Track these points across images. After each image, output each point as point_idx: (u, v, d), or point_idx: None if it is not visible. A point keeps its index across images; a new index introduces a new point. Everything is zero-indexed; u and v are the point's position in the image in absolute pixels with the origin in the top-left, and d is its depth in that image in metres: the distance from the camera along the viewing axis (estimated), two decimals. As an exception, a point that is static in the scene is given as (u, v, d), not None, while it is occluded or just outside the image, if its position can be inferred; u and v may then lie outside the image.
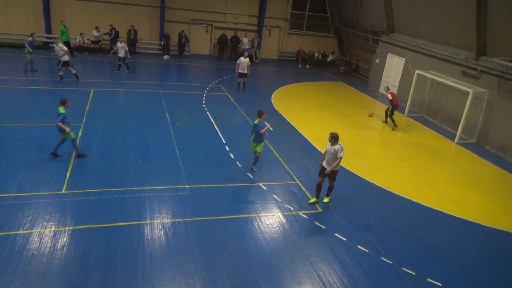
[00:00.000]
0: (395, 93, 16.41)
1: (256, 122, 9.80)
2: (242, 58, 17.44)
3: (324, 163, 8.62)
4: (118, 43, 18.53)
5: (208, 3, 24.45)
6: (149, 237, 7.20)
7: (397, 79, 19.67)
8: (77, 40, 21.55)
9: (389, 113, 15.51)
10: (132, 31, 22.56)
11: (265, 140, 10.17)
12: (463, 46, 15.77)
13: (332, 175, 8.64)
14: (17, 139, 10.51)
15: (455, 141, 14.52)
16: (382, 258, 7.36)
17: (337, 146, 8.32)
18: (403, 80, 19.13)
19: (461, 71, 15.55)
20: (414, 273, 7.02)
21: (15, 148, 9.98)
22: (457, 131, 14.66)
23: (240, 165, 10.46)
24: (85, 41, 21.84)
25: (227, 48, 25.25)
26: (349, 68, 25.07)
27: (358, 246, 7.62)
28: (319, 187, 8.86)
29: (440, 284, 6.82)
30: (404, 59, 19.16)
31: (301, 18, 27.23)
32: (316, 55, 26.89)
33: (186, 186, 9.10)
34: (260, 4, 25.43)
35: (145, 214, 7.89)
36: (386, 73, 20.73)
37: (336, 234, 7.93)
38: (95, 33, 21.95)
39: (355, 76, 24.68)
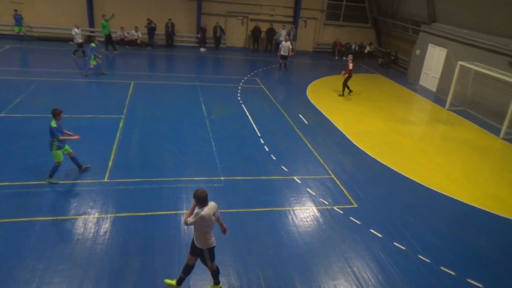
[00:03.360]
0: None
1: (53, 124, 8.15)
2: (284, 42, 19.92)
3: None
4: (75, 28, 18.69)
5: (244, -4, 24.47)
6: (185, 227, 7.40)
7: (438, 71, 18.90)
8: (118, 33, 22.25)
9: (345, 82, 16.79)
10: (169, 24, 23.01)
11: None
12: (510, 35, 14.89)
13: (201, 255, 5.73)
14: (65, 128, 11.04)
15: (500, 136, 13.81)
16: (419, 256, 7.19)
17: (200, 210, 5.36)
18: (445, 72, 18.36)
19: (508, 62, 14.71)
20: (453, 273, 6.82)
21: (61, 138, 10.53)
22: (502, 125, 13.91)
23: (274, 158, 10.50)
24: (126, 34, 22.50)
25: (263, 40, 25.22)
26: (388, 60, 24.35)
27: (394, 243, 7.49)
28: (188, 269, 5.88)
29: (481, 286, 6.58)
30: (446, 50, 18.36)
31: (338, 8, 26.66)
32: (353, 46, 26.30)
33: (221, 178, 9.26)
34: (296, -5, 25.14)
35: (181, 204, 8.12)
36: (426, 65, 19.97)
37: (371, 230, 7.82)
38: (134, 32, 22.55)
39: (393, 68, 23.95)
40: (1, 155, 9.36)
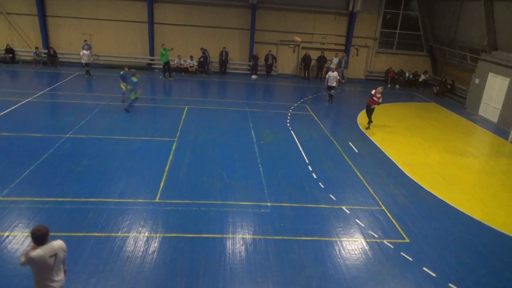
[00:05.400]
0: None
1: None
2: (330, 72, 18.96)
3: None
4: (84, 50, 20.78)
5: (296, 25, 24.96)
6: (230, 251, 7.44)
7: (500, 101, 17.82)
8: (175, 61, 23.52)
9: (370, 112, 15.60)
10: (224, 53, 23.96)
11: None
12: None
13: None
14: (121, 150, 11.75)
15: None
16: (478, 300, 6.63)
17: (31, 250, 4.74)
18: (507, 102, 17.27)
19: None
20: (518, 322, 6.19)
21: (119, 158, 11.17)
22: None
23: (322, 186, 10.34)
24: (182, 62, 23.73)
25: (314, 68, 25.41)
26: (443, 89, 23.42)
27: (450, 285, 6.96)
28: None
29: None
30: (508, 79, 17.34)
31: (392, 36, 26.31)
32: (407, 74, 25.65)
33: (268, 204, 9.25)
34: (349, 24, 25.23)
35: (228, 228, 8.18)
36: (486, 94, 18.94)
37: (424, 268, 7.35)
38: (189, 61, 23.77)
39: (450, 97, 22.95)
40: (65, 173, 10.07)
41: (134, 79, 15.52)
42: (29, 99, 16.21)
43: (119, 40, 24.26)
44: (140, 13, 23.67)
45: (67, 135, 12.53)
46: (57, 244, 4.91)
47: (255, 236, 7.97)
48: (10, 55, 23.02)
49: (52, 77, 20.87)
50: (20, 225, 7.79)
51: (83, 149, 11.59)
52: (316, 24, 25.14)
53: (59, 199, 8.74)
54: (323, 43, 25.50)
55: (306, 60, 24.90)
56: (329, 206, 9.37)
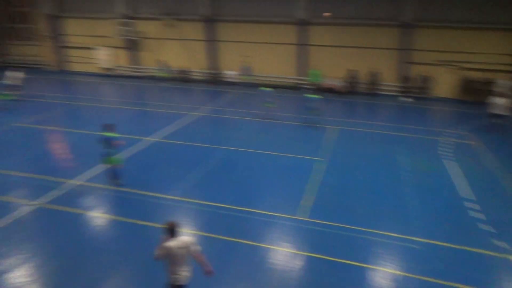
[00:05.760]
0: None
1: (113, 135, 10.18)
2: (496, 98, 16.68)
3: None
4: (229, 71, 22.91)
5: (455, 43, 22.61)
6: (374, 284, 7.12)
7: None
8: (328, 82, 23.97)
9: None
10: (373, 73, 23.37)
11: None
12: None
13: None
14: (271, 165, 12.54)
15: None
16: None
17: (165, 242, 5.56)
18: None
19: None
20: None
21: (269, 172, 11.96)
22: None
23: (484, 228, 9.04)
24: (332, 82, 24.04)
25: (476, 91, 22.60)
26: None
27: None
28: None
29: None
30: None
31: None
32: None
33: (418, 239, 8.55)
34: (524, 41, 21.71)
35: (372, 258, 7.87)
36: None
37: None
38: (338, 81, 24.00)
39: None
40: (223, 181, 11.25)
41: (314, 96, 16.70)
42: (199, 114, 18.58)
43: (272, 61, 25.94)
44: (292, 35, 24.95)
45: (225, 147, 13.97)
46: (187, 239, 5.69)
47: (401, 273, 7.46)
48: (185, 75, 26.99)
49: (216, 95, 23.57)
50: (186, 223, 8.94)
51: (238, 161, 12.76)
52: (480, 42, 22.34)
53: (218, 204, 9.79)
54: (488, 63, 22.48)
55: (467, 82, 22.36)
56: (496, 254, 8.11)
